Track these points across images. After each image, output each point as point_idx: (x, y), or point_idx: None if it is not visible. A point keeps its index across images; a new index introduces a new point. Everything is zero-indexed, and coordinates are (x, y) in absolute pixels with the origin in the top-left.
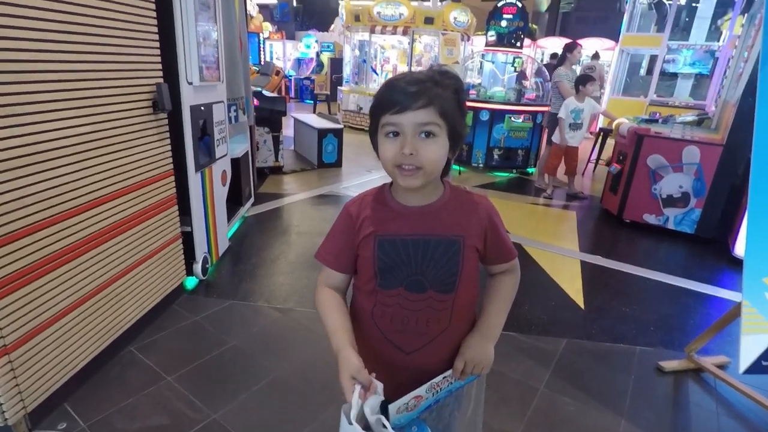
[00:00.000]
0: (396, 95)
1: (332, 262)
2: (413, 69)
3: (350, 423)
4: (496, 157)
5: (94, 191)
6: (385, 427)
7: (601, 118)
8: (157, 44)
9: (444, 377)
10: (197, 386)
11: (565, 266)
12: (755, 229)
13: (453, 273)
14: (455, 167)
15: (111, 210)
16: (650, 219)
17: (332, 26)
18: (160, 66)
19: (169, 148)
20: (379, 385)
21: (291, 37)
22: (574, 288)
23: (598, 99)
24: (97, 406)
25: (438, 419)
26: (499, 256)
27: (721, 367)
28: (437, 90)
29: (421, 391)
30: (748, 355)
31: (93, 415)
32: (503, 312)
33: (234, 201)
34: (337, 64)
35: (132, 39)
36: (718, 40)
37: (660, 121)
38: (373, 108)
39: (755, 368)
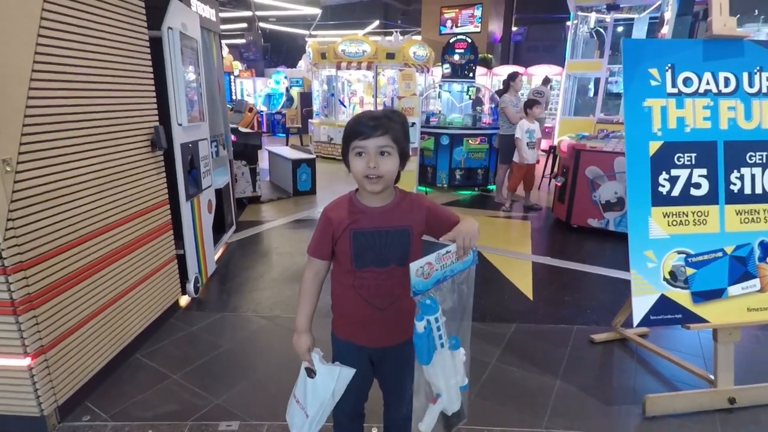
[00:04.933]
0: (362, 127)
1: (314, 252)
2: (379, 99)
3: (313, 372)
4: (458, 177)
5: (107, 218)
6: (321, 361)
7: (555, 137)
8: (154, 93)
9: (447, 251)
10: (200, 380)
11: (519, 267)
12: (634, 214)
13: (406, 252)
14: (421, 188)
15: (120, 234)
16: (593, 223)
17: (300, 62)
18: (156, 111)
19: (164, 180)
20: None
21: (260, 74)
22: (524, 284)
23: (542, 120)
24: (114, 401)
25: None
26: (446, 227)
27: (642, 336)
28: (390, 123)
29: (431, 258)
30: (638, 312)
31: (112, 408)
32: None
33: (218, 229)
34: (306, 98)
35: (134, 90)
36: None
37: (600, 137)
38: (345, 136)
39: (645, 322)
